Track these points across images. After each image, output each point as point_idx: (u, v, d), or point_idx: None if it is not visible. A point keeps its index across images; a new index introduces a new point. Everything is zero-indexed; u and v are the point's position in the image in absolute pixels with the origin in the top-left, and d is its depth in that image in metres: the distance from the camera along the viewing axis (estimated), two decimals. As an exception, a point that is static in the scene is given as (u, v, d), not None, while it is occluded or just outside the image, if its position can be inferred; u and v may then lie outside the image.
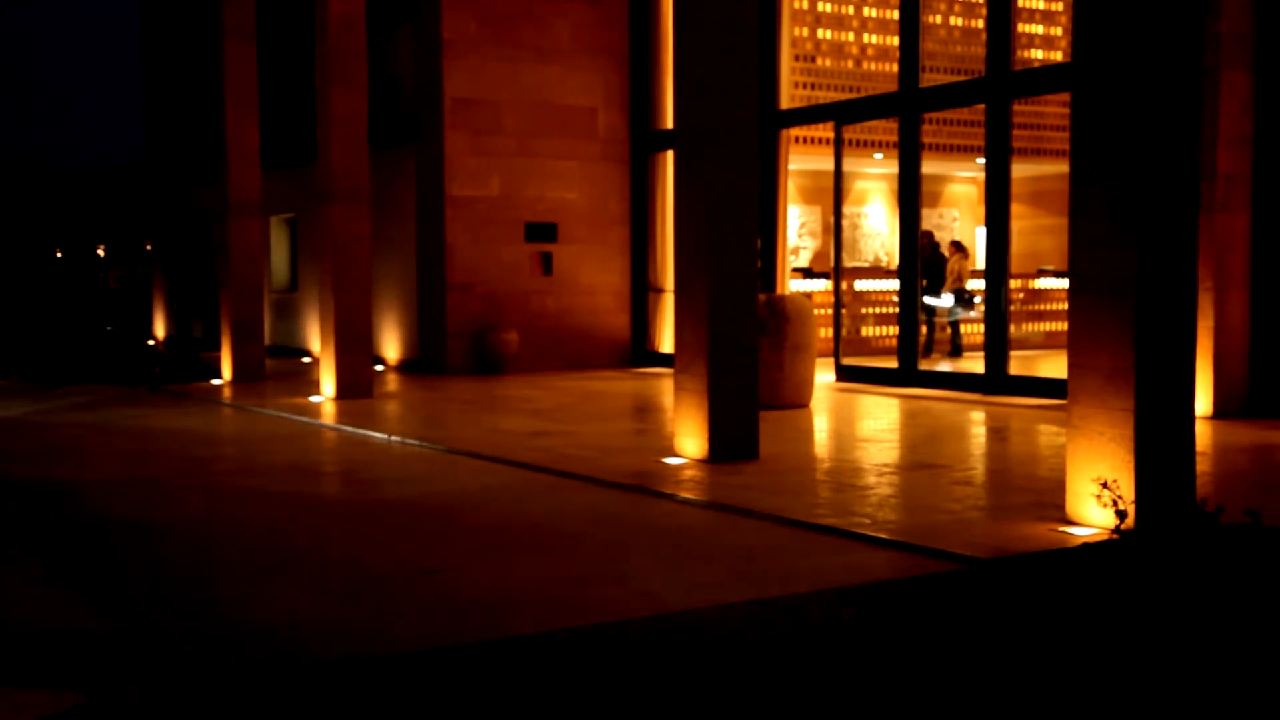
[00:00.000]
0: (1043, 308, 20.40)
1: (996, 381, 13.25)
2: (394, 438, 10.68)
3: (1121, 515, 6.27)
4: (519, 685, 4.37)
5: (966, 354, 17.99)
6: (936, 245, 18.62)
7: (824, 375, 14.65)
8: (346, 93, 13.76)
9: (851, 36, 18.74)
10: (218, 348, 19.05)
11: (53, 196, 39.45)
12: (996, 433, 11.03)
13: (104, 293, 26.86)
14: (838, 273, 15.67)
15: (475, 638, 4.88)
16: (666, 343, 17.65)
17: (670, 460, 9.06)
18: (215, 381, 16.14)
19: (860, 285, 19.26)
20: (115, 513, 7.61)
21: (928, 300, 17.94)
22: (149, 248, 29.67)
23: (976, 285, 17.62)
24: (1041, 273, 20.76)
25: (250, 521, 7.34)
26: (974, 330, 17.83)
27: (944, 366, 16.83)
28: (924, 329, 17.73)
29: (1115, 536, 6.25)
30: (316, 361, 18.97)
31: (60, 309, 27.28)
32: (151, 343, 24.83)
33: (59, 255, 44.62)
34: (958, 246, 19.00)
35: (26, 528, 7.10)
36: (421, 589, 5.71)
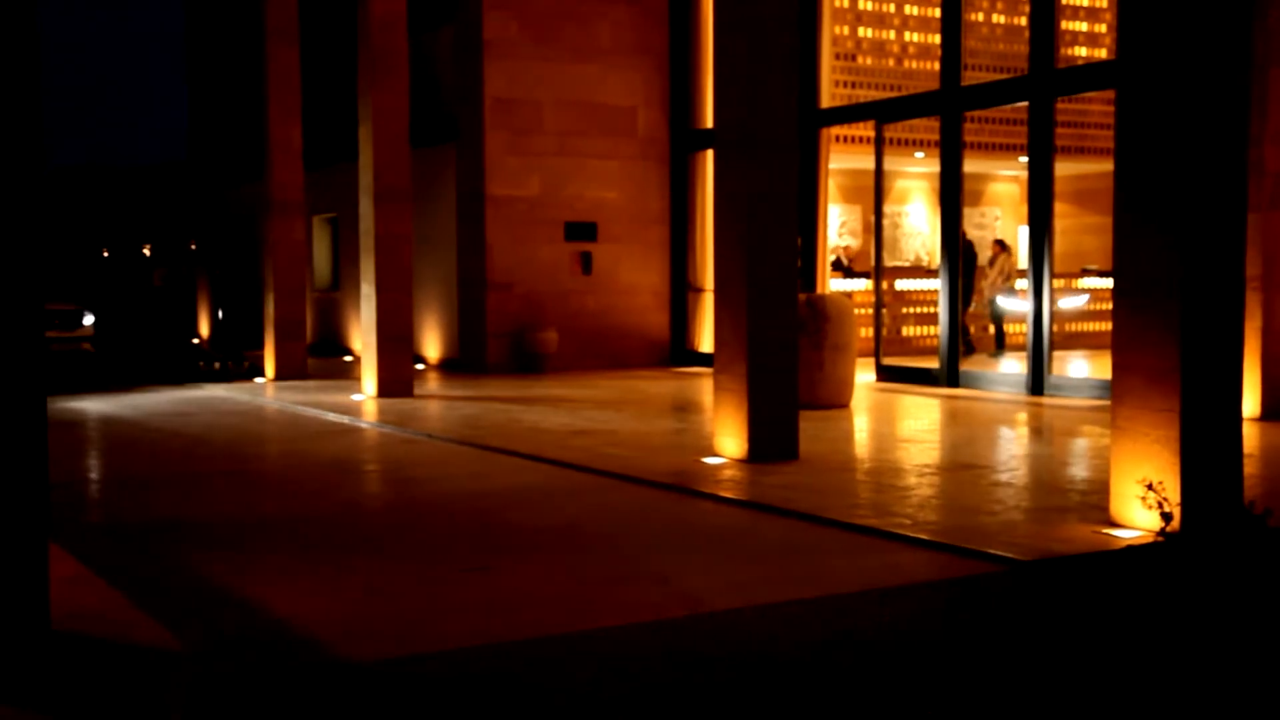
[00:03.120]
0: (1087, 307, 20.20)
1: (1039, 382, 13.14)
2: (434, 436, 10.72)
3: (1167, 517, 6.19)
4: (559, 684, 4.37)
5: (1008, 353, 17.84)
6: (970, 244, 18.41)
7: (864, 375, 14.58)
8: (388, 93, 13.84)
9: (893, 34, 18.63)
10: (260, 346, 19.20)
11: (99, 195, 39.98)
12: (1039, 433, 10.94)
13: (150, 291, 27.18)
14: (878, 272, 15.59)
15: (516, 636, 4.89)
16: (706, 342, 17.62)
17: (710, 460, 9.04)
18: (258, 380, 16.27)
19: (901, 285, 19.15)
20: (156, 509, 7.68)
21: (1002, 303, 17.77)
22: (193, 246, 29.97)
23: (1020, 285, 17.48)
24: (1085, 272, 20.57)
25: (290, 519, 7.39)
26: (1016, 330, 17.66)
27: (983, 364, 16.70)
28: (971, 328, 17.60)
29: (1160, 539, 6.18)
30: (358, 360, 19.08)
31: (110, 308, 27.59)
32: (195, 341, 25.07)
33: (105, 254, 45.10)
34: (1001, 245, 18.85)
35: (64, 523, 7.18)
36: (462, 587, 5.72)
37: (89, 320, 18.00)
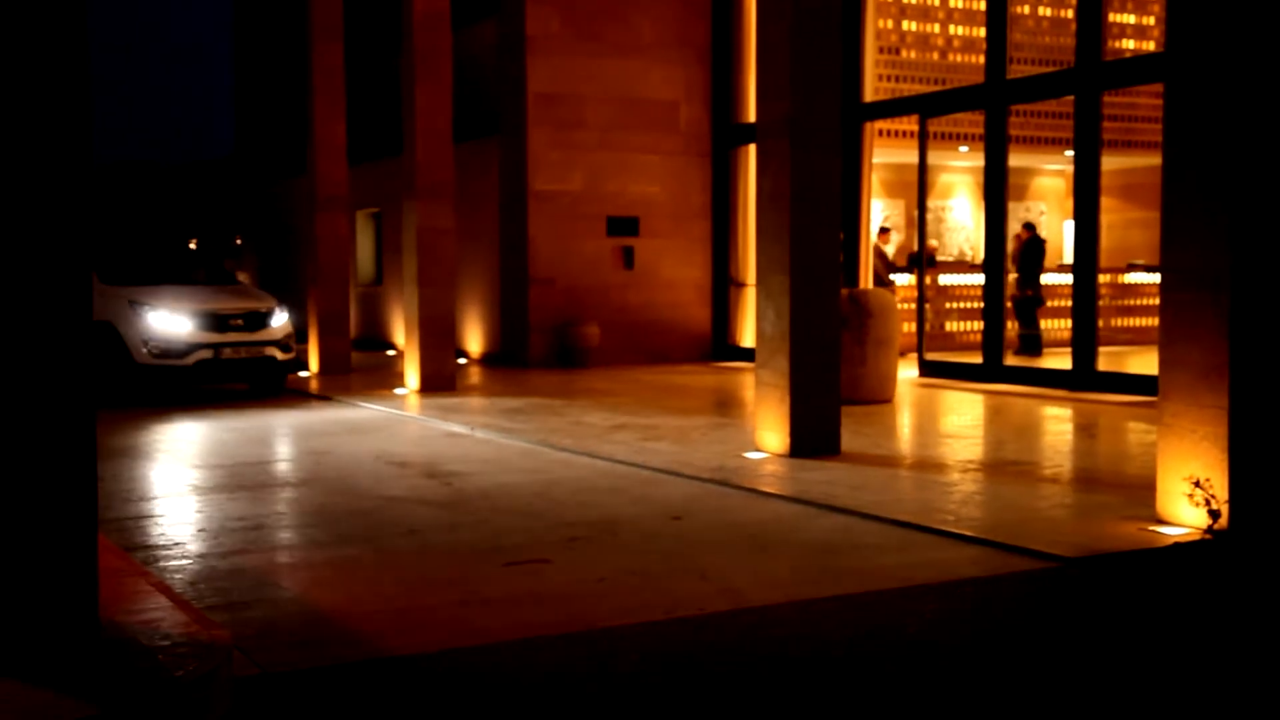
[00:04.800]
0: (1133, 302, 20.00)
1: (1084, 377, 13.02)
2: (476, 430, 10.77)
3: (1214, 515, 6.13)
4: (601, 678, 4.39)
5: (1048, 350, 17.66)
6: (1041, 242, 18.14)
7: (907, 370, 14.50)
8: (431, 88, 13.91)
9: (937, 28, 18.50)
10: (304, 340, 19.34)
11: (147, 191, 40.43)
12: (1084, 430, 10.84)
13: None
14: (921, 267, 15.50)
15: (557, 630, 4.91)
16: (748, 337, 17.59)
17: (751, 455, 9.03)
18: (302, 373, 16.39)
19: (944, 279, 19.03)
20: (197, 504, 7.76)
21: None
22: (239, 242, 30.22)
23: (1064, 280, 17.31)
24: (1132, 267, 20.35)
25: (333, 511, 7.44)
26: (1061, 325, 17.49)
27: (1027, 359, 16.56)
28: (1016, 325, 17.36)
29: (1208, 537, 6.12)
30: (401, 354, 19.19)
31: None
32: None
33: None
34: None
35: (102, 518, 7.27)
36: (505, 581, 5.75)
37: (280, 320, 13.81)
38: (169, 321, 13.05)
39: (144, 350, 12.92)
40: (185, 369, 13.03)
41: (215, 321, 13.27)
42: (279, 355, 13.66)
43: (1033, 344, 17.49)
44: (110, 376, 12.95)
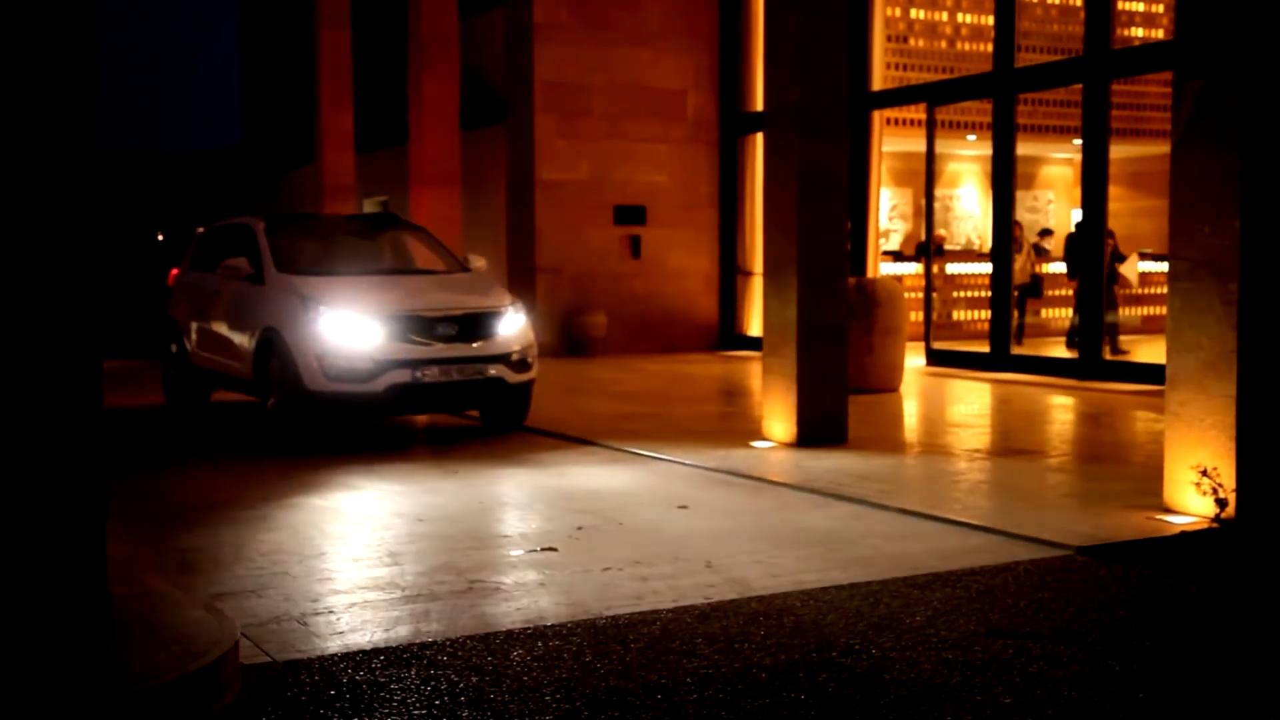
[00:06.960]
0: (1141, 291, 19.94)
1: (1091, 366, 13.00)
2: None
3: (1222, 504, 6.13)
4: (611, 666, 4.40)
5: (1052, 339, 17.57)
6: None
7: (914, 359, 14.49)
8: (438, 78, 13.93)
9: (945, 16, 18.44)
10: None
11: (155, 180, 40.50)
12: (1091, 419, 10.83)
13: None
14: (929, 255, 15.47)
15: (563, 618, 4.92)
16: (755, 326, 17.57)
17: (758, 444, 9.03)
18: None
19: (952, 268, 19.00)
20: (197, 496, 7.79)
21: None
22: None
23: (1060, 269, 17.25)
24: (1141, 256, 20.30)
25: (344, 501, 7.45)
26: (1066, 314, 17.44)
27: (1034, 348, 16.51)
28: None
29: (1215, 525, 6.12)
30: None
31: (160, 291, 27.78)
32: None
33: (160, 238, 45.65)
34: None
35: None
36: (511, 569, 5.76)
37: (514, 326, 9.91)
38: (350, 328, 9.20)
39: (317, 368, 9.14)
40: (372, 397, 9.23)
41: (417, 327, 9.34)
42: (510, 376, 9.66)
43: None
44: (282, 405, 9.46)
